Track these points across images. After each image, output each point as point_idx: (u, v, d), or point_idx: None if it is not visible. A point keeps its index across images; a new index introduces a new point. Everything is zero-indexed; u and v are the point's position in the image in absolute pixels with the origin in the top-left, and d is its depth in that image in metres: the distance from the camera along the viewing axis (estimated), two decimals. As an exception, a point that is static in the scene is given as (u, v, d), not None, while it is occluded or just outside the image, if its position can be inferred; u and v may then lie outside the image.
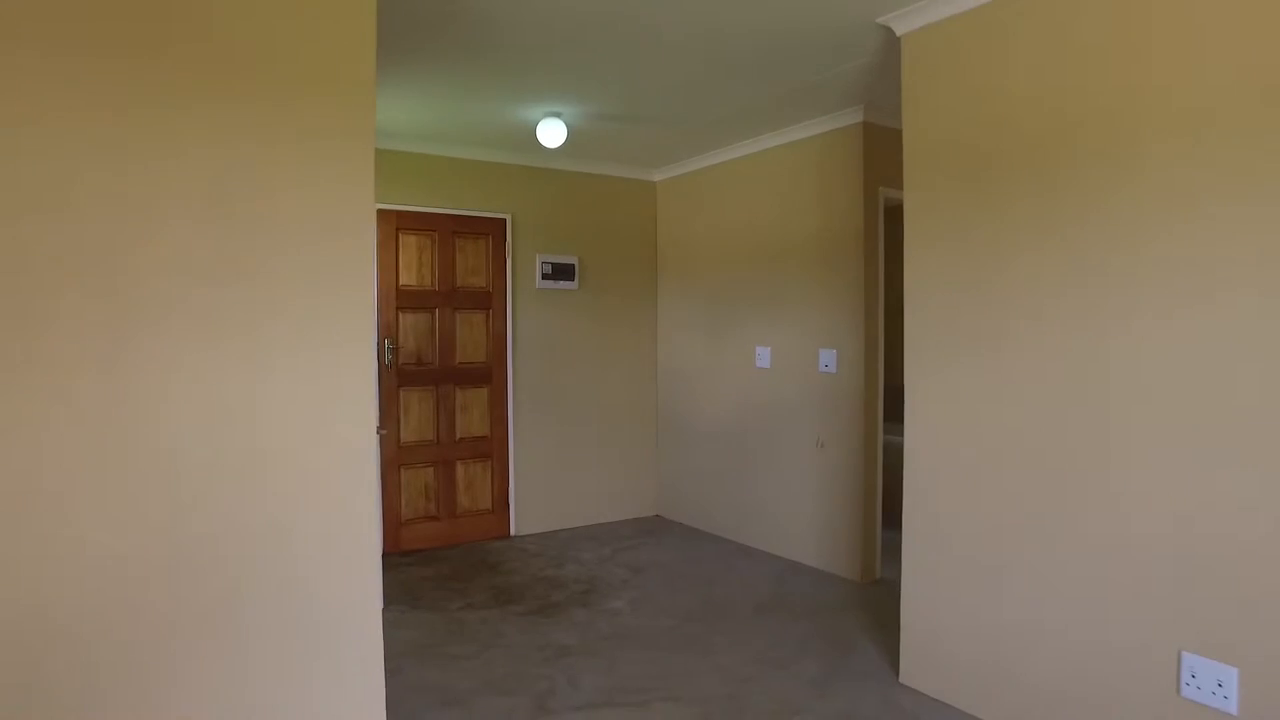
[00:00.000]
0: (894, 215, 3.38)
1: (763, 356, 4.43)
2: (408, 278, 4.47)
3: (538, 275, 4.84)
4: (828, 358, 3.98)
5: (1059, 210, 2.26)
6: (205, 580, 1.86)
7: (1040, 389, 2.31)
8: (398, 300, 4.43)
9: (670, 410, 5.26)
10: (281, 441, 1.94)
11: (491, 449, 4.76)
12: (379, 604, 2.13)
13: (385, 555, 4.20)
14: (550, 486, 4.95)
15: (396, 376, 4.45)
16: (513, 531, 4.85)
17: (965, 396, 2.56)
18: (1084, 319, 2.20)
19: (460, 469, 4.69)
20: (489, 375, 4.74)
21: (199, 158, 1.83)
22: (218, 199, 1.85)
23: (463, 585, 3.92)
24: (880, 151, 3.80)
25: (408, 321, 4.48)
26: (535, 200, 4.84)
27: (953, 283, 2.58)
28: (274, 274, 1.93)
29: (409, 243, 4.47)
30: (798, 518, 4.22)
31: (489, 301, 4.73)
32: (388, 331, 4.40)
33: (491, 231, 4.72)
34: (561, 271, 4.92)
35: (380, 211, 4.22)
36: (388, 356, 4.39)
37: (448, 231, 4.58)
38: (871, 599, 3.63)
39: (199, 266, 1.83)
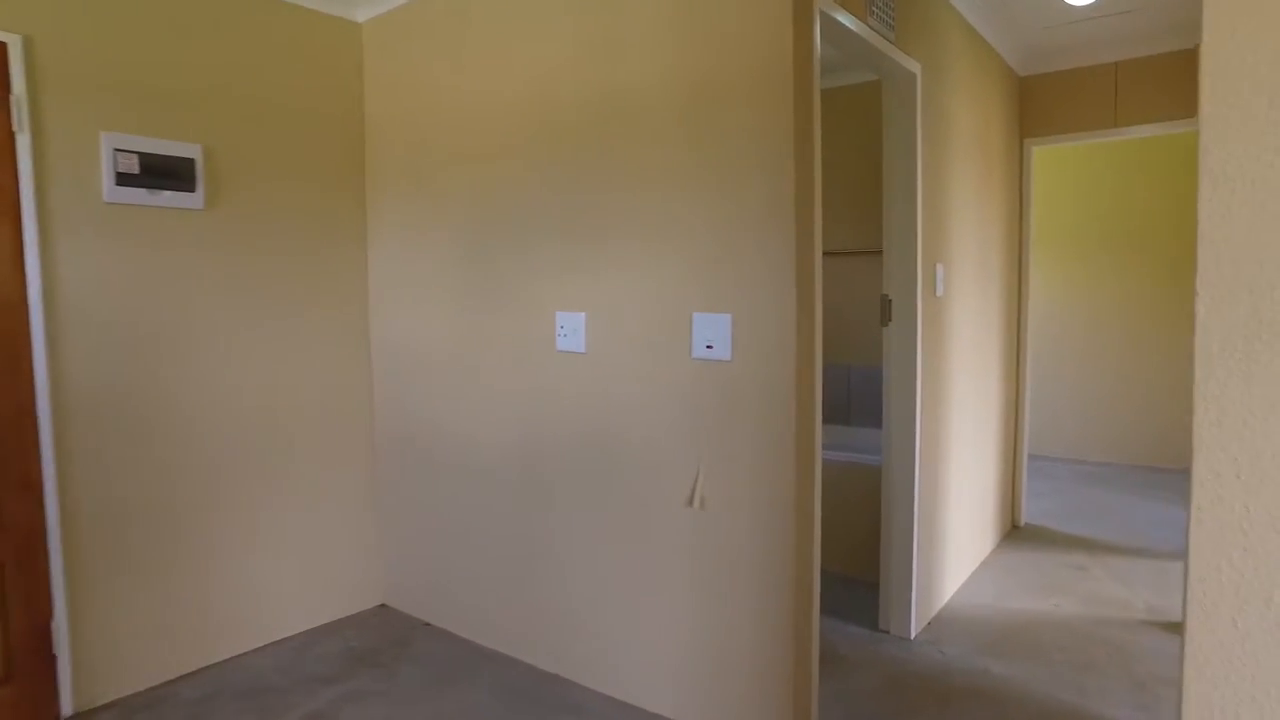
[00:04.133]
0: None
1: (570, 331, 2.41)
2: None
3: (106, 176, 2.36)
4: (712, 330, 2.07)
5: None
6: None
7: None
8: None
9: (398, 425, 3.05)
10: None
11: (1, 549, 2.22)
12: None
13: None
14: (156, 592, 2.53)
15: None
16: (67, 711, 2.36)
17: None
18: None
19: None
20: (-15, 387, 2.19)
21: None
22: None
23: None
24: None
25: None
26: (95, 17, 2.33)
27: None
28: None
29: None
30: (656, 635, 2.29)
31: (-27, 225, 2.17)
32: None
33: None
34: (162, 171, 2.47)
35: None
36: None
37: None
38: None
39: None
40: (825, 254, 4.25)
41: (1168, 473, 5.25)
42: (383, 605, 3.18)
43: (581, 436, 2.41)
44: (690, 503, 2.15)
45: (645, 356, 2.24)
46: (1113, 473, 5.28)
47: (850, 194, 4.17)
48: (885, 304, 2.76)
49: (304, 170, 2.83)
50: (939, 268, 2.91)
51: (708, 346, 2.08)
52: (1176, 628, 2.85)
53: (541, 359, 2.50)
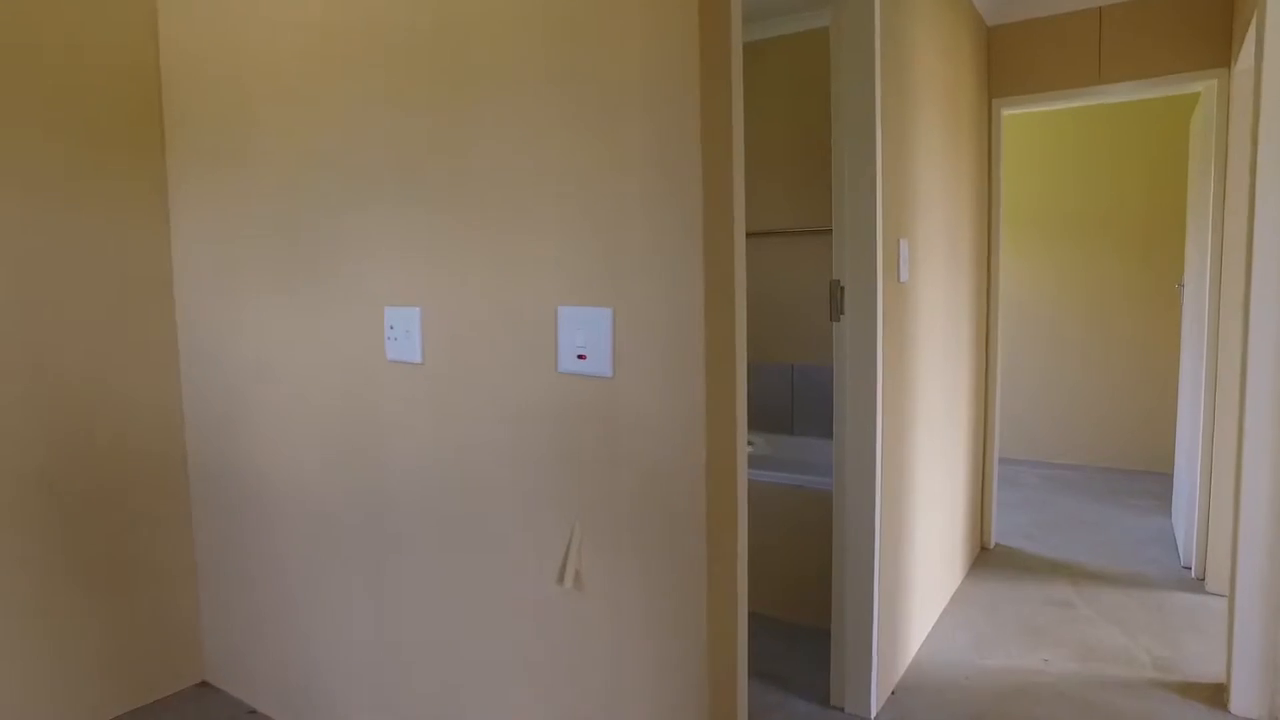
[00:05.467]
0: None
1: (402, 333, 1.72)
2: None
3: None
4: (585, 331, 1.41)
5: None
6: None
7: None
8: None
9: (216, 461, 2.33)
10: None
11: None
12: None
13: None
14: None
15: None
16: None
17: None
18: None
19: None
20: None
21: None
22: None
23: None
24: None
25: None
26: None
27: None
28: None
29: None
30: (518, 745, 1.63)
31: None
32: None
33: None
34: None
35: None
36: None
37: None
38: None
39: None
40: (763, 234, 3.62)
41: (1142, 476, 4.79)
42: (203, 684, 2.47)
43: (425, 480, 1.74)
44: (561, 580, 1.50)
45: (496, 369, 1.57)
46: (1083, 478, 4.80)
47: (791, 165, 3.55)
48: (836, 292, 2.14)
49: (75, 120, 2.08)
50: (903, 245, 2.30)
51: (579, 356, 1.42)
52: (1195, 692, 2.30)
53: (370, 372, 1.82)
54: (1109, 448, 5.02)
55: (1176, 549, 3.48)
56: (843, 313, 2.13)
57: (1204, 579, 3.10)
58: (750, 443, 3.68)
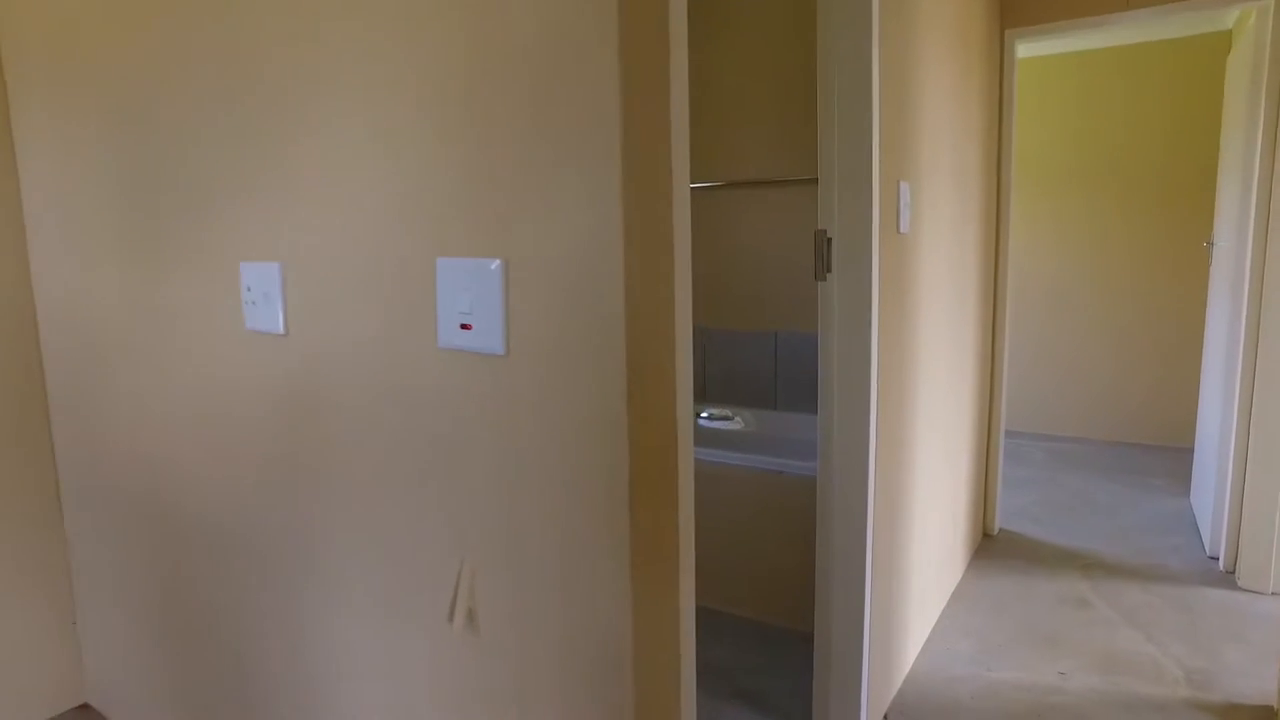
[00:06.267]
0: None
1: (261, 295, 1.33)
2: None
3: None
4: (470, 291, 1.03)
5: None
6: None
7: None
8: None
9: (85, 448, 1.95)
10: None
11: None
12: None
13: None
14: None
15: None
16: None
17: None
18: None
19: None
20: None
21: None
22: None
23: None
24: None
25: None
26: None
27: None
28: None
29: None
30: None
31: None
32: None
33: None
34: None
35: None
36: None
37: None
38: None
39: None
40: (743, 185, 3.22)
41: (1156, 451, 4.45)
42: (84, 706, 2.12)
43: (285, 491, 1.36)
44: (451, 618, 1.13)
45: (366, 345, 1.19)
46: (1092, 452, 4.46)
47: (774, 106, 3.13)
48: (822, 245, 1.75)
49: None
50: (903, 189, 1.91)
51: (463, 326, 1.04)
52: (1240, 716, 1.96)
53: (231, 345, 1.43)
54: (1119, 420, 4.67)
55: (1199, 536, 3.15)
56: (829, 270, 1.74)
57: (1234, 572, 2.76)
58: (728, 417, 3.32)
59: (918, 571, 2.30)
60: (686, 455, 1.04)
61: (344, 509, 1.26)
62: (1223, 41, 4.16)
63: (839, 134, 1.75)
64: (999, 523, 3.31)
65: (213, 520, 1.55)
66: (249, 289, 1.35)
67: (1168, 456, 4.31)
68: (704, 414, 3.38)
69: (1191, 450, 4.13)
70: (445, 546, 1.13)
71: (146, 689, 1.87)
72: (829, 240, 1.74)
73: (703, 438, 3.24)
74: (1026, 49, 4.34)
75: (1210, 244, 3.34)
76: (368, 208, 1.14)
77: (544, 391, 0.98)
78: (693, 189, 3.35)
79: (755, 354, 3.28)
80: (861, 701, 1.91)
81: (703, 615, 2.60)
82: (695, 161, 3.32)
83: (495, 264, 0.99)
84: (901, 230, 1.91)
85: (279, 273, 1.29)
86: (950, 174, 2.40)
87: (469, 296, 1.03)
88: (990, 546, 3.12)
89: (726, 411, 3.32)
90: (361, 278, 1.17)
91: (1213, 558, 2.91)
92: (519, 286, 0.98)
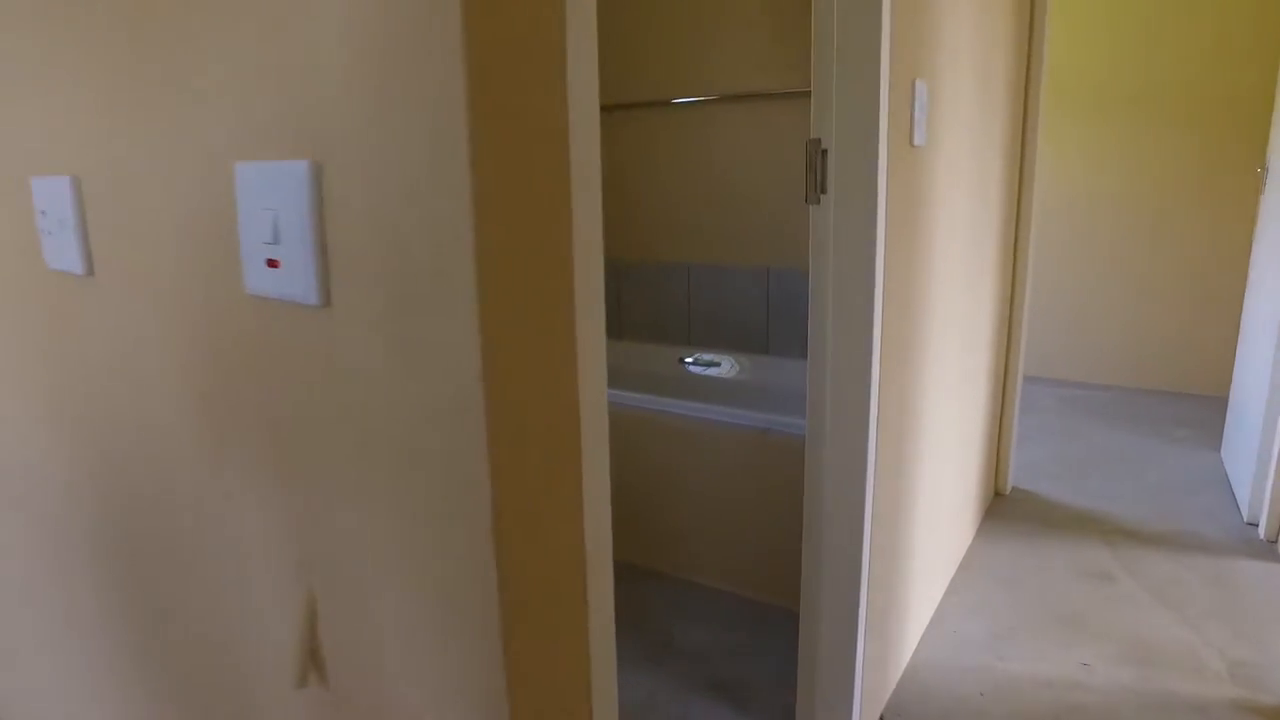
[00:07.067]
0: None
1: (56, 223, 0.99)
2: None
3: None
4: (280, 211, 0.69)
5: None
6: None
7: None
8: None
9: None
10: None
11: None
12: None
13: None
14: None
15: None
16: None
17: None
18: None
19: None
20: None
21: None
22: None
23: None
24: None
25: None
26: None
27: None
28: None
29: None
30: None
31: None
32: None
33: None
34: None
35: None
36: None
37: None
38: None
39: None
40: (728, 100, 2.81)
41: (1183, 400, 4.13)
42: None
43: (113, 472, 1.05)
44: (302, 681, 0.83)
45: (168, 289, 0.86)
46: (1111, 401, 4.14)
47: (768, 1, 2.71)
48: (815, 158, 1.39)
49: None
50: (919, 89, 1.54)
51: (269, 263, 0.71)
52: (1291, 718, 1.69)
53: (32, 289, 1.10)
54: (1142, 365, 4.34)
55: (1234, 496, 2.85)
56: (824, 190, 1.39)
57: (1276, 541, 2.47)
58: (715, 363, 2.99)
59: (922, 542, 2.01)
60: (598, 450, 0.71)
61: (146, 515, 0.94)
62: (1283, -62, 3.67)
63: (839, 21, 1.37)
64: (1012, 480, 3.02)
65: (66, 523, 1.24)
66: (43, 213, 1.01)
67: (1194, 404, 3.99)
68: (689, 359, 3.06)
69: (1221, 399, 3.80)
70: (279, 578, 0.82)
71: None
72: (824, 152, 1.38)
73: (683, 389, 2.93)
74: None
75: (1264, 169, 2.95)
76: (168, 105, 0.79)
77: (384, 361, 0.65)
78: (672, 105, 2.95)
79: (746, 292, 2.94)
80: (854, 703, 1.65)
81: (677, 590, 2.33)
82: (673, 73, 2.91)
83: (302, 167, 0.65)
84: (915, 143, 1.55)
85: (70, 189, 0.95)
86: (973, 76, 2.02)
87: (273, 219, 0.69)
88: (1002, 507, 2.83)
89: (713, 357, 3.00)
90: (166, 198, 0.83)
91: (1251, 523, 2.62)
92: (340, 197, 0.64)
